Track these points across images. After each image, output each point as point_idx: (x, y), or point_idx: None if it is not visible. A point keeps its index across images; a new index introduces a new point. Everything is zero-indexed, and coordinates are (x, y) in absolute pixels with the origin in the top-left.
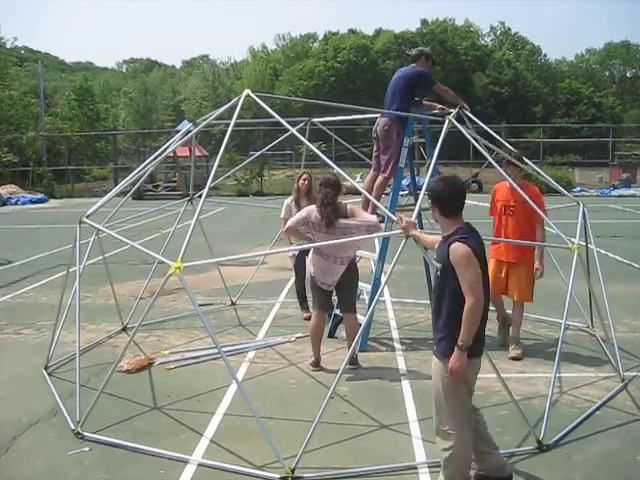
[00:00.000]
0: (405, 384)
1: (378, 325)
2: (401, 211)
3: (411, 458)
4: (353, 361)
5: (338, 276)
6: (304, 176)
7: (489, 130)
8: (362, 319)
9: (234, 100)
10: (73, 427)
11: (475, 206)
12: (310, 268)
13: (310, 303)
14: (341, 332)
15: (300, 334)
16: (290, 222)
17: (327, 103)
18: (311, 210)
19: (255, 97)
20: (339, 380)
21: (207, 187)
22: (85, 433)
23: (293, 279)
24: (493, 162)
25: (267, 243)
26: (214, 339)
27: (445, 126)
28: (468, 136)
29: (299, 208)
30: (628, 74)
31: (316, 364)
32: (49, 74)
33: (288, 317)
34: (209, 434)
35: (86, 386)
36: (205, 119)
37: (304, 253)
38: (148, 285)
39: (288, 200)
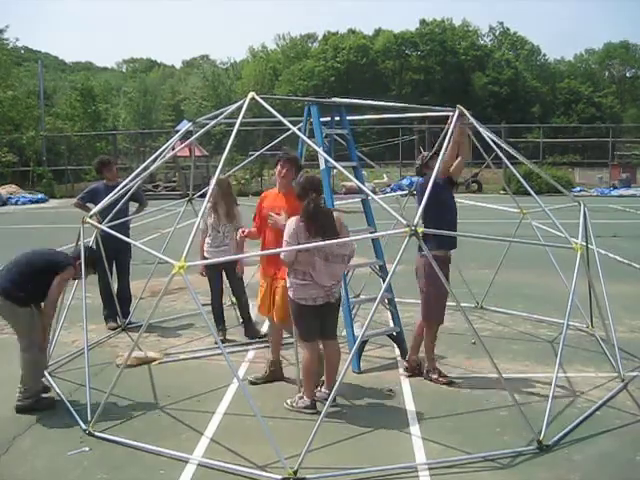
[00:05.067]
0: (405, 384)
1: (378, 325)
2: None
3: (411, 458)
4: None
5: (331, 291)
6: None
7: (486, 131)
8: (357, 332)
9: (240, 102)
10: (85, 427)
11: (475, 206)
12: (292, 291)
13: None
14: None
15: None
16: (289, 255)
17: (328, 100)
18: (294, 228)
19: (260, 99)
20: (338, 386)
21: (211, 187)
22: (96, 433)
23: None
24: (517, 161)
25: None
26: (216, 338)
27: (451, 125)
28: (485, 135)
29: (216, 213)
30: (627, 74)
31: (313, 406)
32: (49, 74)
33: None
34: (209, 434)
35: (87, 386)
36: (209, 119)
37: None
38: (148, 285)
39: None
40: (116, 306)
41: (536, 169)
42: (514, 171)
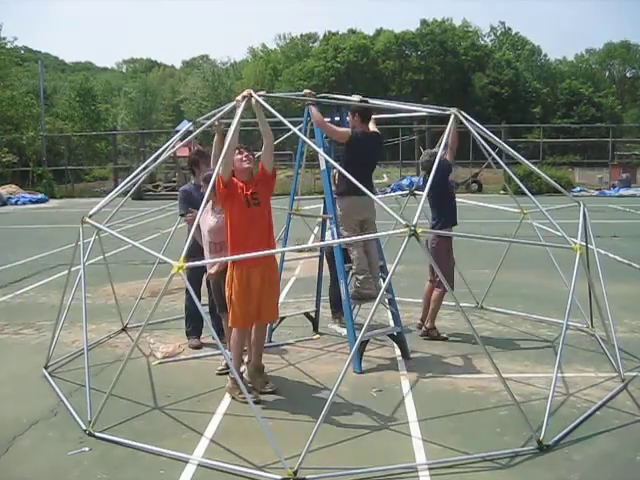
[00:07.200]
0: (405, 384)
1: (378, 325)
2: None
3: (411, 458)
4: None
5: None
6: None
7: (486, 131)
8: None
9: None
10: (84, 427)
11: (475, 206)
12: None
13: None
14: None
15: (299, 334)
16: None
17: (326, 100)
18: None
19: (258, 98)
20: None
21: (209, 187)
22: (96, 433)
23: (293, 279)
24: (517, 161)
25: None
26: (216, 339)
27: (449, 125)
28: (474, 133)
29: None
30: (628, 74)
31: None
32: (49, 74)
33: (288, 317)
34: (209, 434)
35: (86, 386)
36: (207, 118)
37: None
38: (148, 285)
39: None
40: (202, 322)
41: (535, 169)
42: (510, 173)
